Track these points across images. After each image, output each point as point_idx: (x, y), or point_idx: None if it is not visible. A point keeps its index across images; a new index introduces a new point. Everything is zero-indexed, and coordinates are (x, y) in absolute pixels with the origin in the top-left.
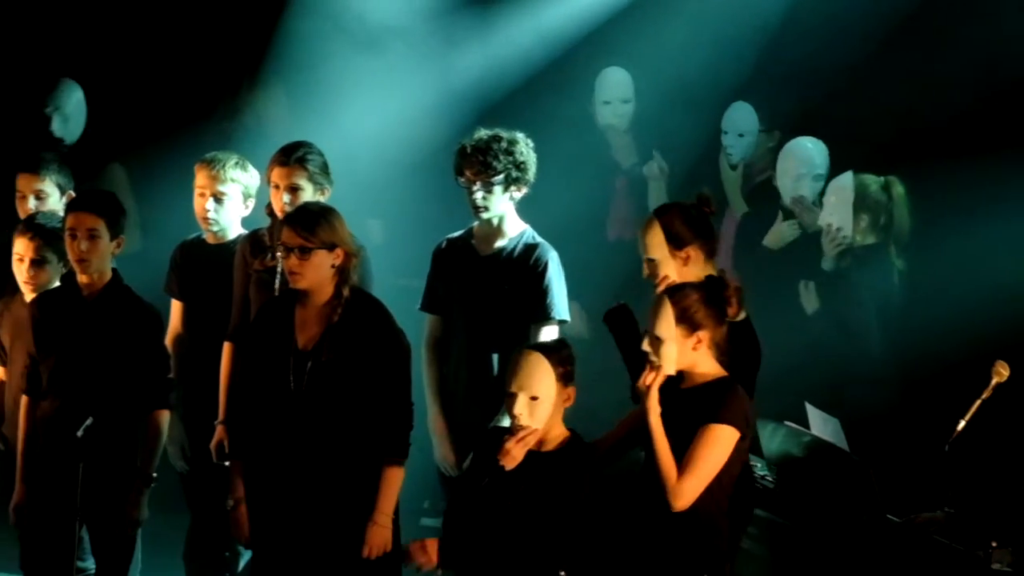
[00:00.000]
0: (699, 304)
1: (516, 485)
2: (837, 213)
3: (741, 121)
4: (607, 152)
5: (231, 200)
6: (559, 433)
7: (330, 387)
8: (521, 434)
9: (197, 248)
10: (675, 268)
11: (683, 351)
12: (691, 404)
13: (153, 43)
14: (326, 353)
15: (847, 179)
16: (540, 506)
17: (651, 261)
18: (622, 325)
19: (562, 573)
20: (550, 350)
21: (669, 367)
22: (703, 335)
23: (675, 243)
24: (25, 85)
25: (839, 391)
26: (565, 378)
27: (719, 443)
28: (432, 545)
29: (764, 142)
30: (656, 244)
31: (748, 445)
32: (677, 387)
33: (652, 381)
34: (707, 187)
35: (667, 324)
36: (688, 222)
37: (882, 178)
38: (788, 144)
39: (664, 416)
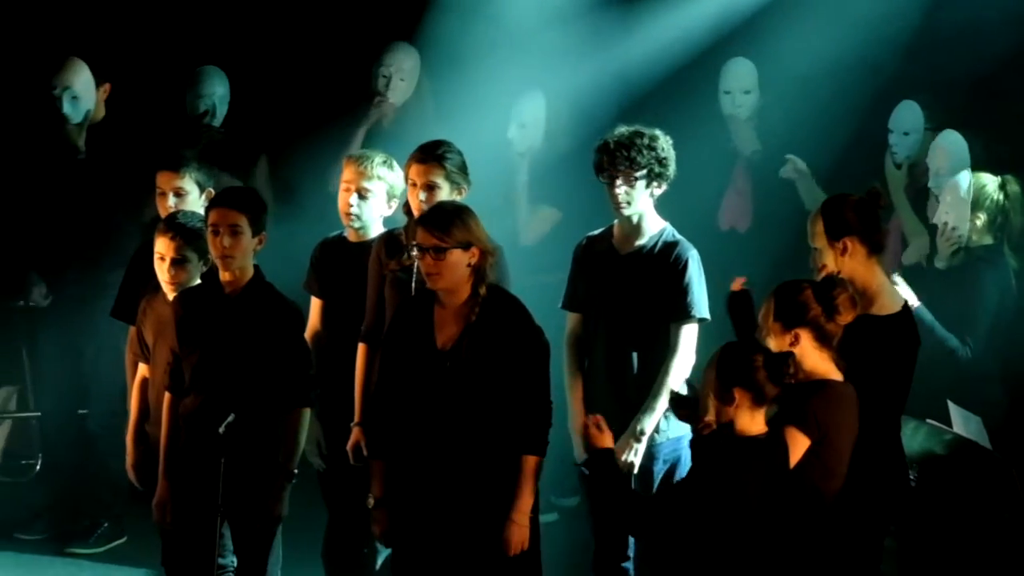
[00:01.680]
0: (799, 302)
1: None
2: (953, 212)
3: (907, 120)
4: (729, 143)
5: (375, 197)
6: (743, 429)
7: (470, 386)
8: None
9: (337, 246)
10: (832, 258)
11: (781, 347)
12: (788, 401)
13: (300, 37)
14: (465, 353)
15: (964, 178)
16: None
17: (815, 250)
18: (742, 310)
19: None
20: (720, 352)
21: None
22: (802, 332)
23: (832, 233)
24: (170, 76)
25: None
26: (721, 378)
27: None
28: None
29: (930, 141)
30: (817, 233)
31: (829, 451)
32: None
33: None
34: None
35: (768, 317)
36: (849, 213)
37: (999, 177)
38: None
39: (780, 408)
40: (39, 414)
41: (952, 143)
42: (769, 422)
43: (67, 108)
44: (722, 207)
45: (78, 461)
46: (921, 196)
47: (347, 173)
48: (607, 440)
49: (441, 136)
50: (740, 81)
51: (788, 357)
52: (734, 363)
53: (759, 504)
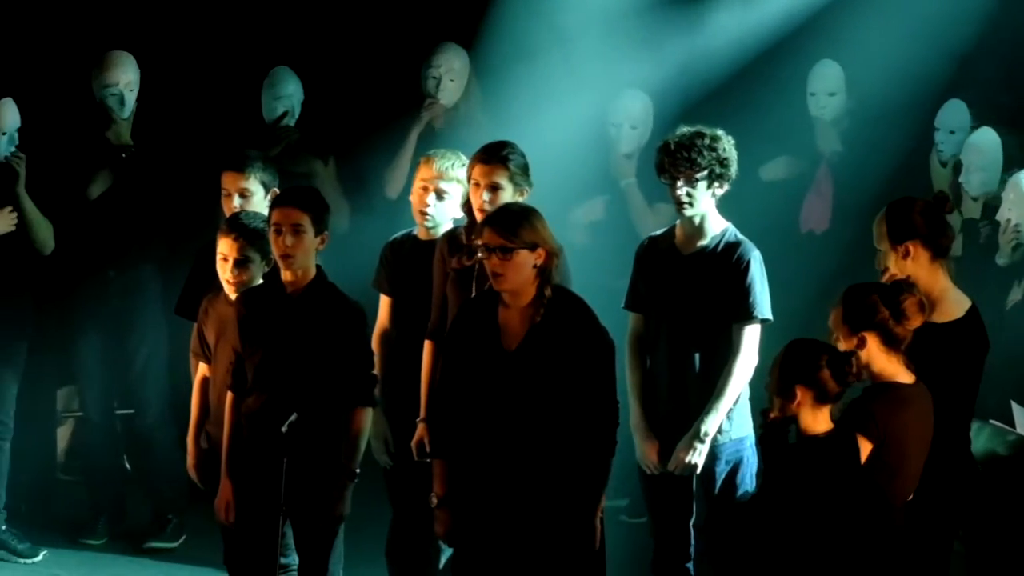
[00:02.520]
0: (867, 305)
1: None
2: (1016, 209)
3: (953, 118)
4: (812, 145)
5: (451, 198)
6: (807, 427)
7: (536, 387)
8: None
9: (407, 244)
10: (894, 261)
11: (850, 349)
12: (854, 405)
13: (362, 38)
14: (531, 354)
15: None
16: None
17: (879, 252)
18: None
19: None
20: (785, 349)
21: None
22: (868, 336)
23: (894, 236)
24: (240, 77)
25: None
26: (783, 375)
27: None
28: None
29: None
30: (881, 235)
31: (893, 453)
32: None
33: None
34: (910, 182)
35: (836, 321)
36: (913, 217)
37: None
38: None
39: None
40: (80, 414)
41: (985, 141)
42: (836, 423)
43: (127, 103)
44: (803, 210)
45: (133, 460)
46: None
47: (425, 172)
48: None
49: (494, 135)
50: (826, 83)
51: (851, 356)
52: (798, 360)
53: (827, 504)
